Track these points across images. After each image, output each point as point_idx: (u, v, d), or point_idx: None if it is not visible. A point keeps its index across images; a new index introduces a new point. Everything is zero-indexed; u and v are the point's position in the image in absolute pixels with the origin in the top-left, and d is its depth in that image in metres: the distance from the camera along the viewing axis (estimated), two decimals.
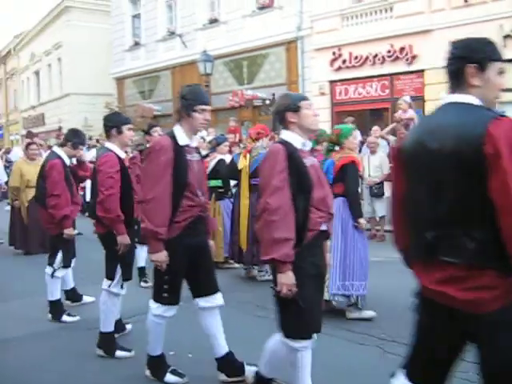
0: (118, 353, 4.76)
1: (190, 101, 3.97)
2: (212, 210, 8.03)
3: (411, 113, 10.76)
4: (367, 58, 15.42)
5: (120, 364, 4.62)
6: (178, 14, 22.13)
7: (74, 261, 6.05)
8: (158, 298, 4.07)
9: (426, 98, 14.18)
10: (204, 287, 4.17)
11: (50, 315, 5.87)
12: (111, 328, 4.79)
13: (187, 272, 4.09)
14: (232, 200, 7.99)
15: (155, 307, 4.08)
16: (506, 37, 12.62)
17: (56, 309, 5.87)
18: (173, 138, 3.99)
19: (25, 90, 39.60)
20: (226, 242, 7.98)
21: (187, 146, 4.04)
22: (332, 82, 16.47)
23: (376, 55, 15.23)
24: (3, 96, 45.58)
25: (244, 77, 19.41)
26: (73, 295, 6.48)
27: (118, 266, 4.77)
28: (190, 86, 4.14)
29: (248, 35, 18.40)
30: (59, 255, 5.80)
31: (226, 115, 16.63)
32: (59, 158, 5.85)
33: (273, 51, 18.26)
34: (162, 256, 3.90)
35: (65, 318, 5.86)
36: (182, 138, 4.01)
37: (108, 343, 4.76)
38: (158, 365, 4.23)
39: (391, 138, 11.22)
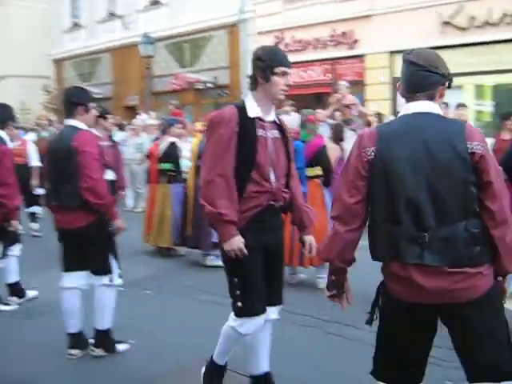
0: (120, 346, 4.47)
1: (267, 62, 3.26)
2: (162, 194, 8.00)
3: (351, 98, 10.87)
4: (309, 42, 15.50)
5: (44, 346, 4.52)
6: None
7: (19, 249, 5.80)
8: (233, 309, 3.35)
9: (366, 82, 14.39)
10: (269, 298, 3.39)
11: None
12: (110, 324, 4.44)
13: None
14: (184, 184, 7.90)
15: (232, 319, 3.38)
16: (445, 23, 12.88)
17: None
18: (241, 108, 3.31)
19: None
20: (175, 226, 7.89)
21: (260, 119, 3.32)
22: None
23: (318, 39, 15.32)
24: None
25: (186, 60, 19.21)
26: (16, 290, 5.94)
27: (111, 256, 4.36)
28: (266, 46, 3.53)
29: (190, 17, 18.14)
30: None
31: (168, 98, 16.43)
32: (4, 143, 5.32)
33: (215, 34, 18.11)
34: (237, 242, 3.17)
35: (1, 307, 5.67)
36: (253, 109, 3.31)
37: (108, 340, 4.44)
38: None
39: (331, 121, 11.27)
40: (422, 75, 2.47)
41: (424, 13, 12.92)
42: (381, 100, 13.59)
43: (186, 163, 7.79)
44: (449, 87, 2.55)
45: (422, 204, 2.36)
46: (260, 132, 3.29)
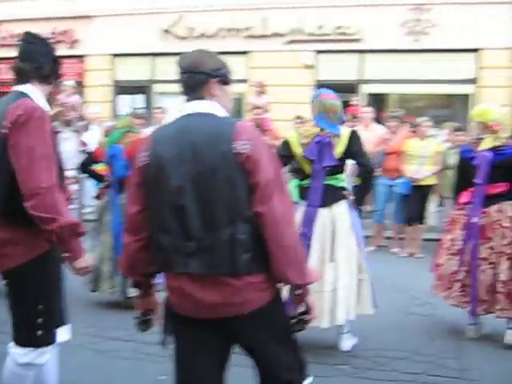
0: None
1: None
2: None
3: (75, 98, 10.62)
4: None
5: None
6: None
7: None
8: (27, 340, 2.90)
9: (86, 83, 14.11)
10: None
11: None
12: None
13: None
14: None
15: (22, 353, 2.91)
16: (165, 31, 13.29)
17: None
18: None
19: None
20: None
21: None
22: None
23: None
24: None
25: None
26: None
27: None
28: None
29: None
30: None
31: None
32: None
33: None
34: (89, 258, 2.94)
35: None
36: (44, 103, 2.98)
37: None
38: None
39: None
40: (187, 77, 2.41)
41: (145, 19, 13.16)
42: (101, 102, 13.43)
43: None
44: (225, 83, 2.46)
45: (190, 211, 2.24)
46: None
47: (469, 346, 4.81)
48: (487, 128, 4.69)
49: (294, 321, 2.44)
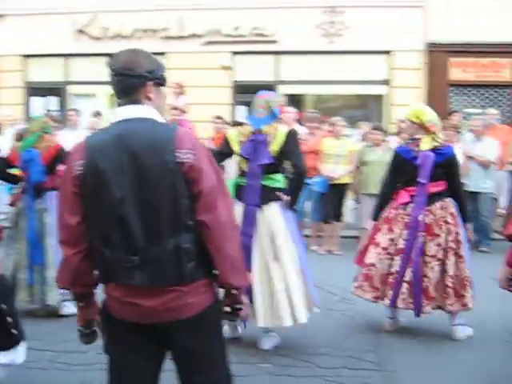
0: None
1: None
2: None
3: None
4: None
5: None
6: None
7: None
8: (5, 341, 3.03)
9: None
10: None
11: None
12: None
13: None
14: None
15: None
16: (80, 31, 12.99)
17: None
18: None
19: None
20: None
21: None
22: None
23: None
24: None
25: None
26: None
27: None
28: None
29: None
30: None
31: None
32: None
33: None
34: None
35: None
36: None
37: None
38: None
39: None
40: (119, 80, 2.28)
41: (58, 18, 12.80)
42: (13, 105, 12.96)
43: None
44: (161, 85, 2.38)
45: (131, 222, 2.18)
46: None
47: (386, 339, 4.97)
48: (423, 128, 4.80)
49: (227, 309, 2.43)
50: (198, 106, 11.27)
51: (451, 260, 4.75)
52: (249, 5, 12.50)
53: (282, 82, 12.86)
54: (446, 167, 4.82)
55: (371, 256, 4.95)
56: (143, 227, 2.19)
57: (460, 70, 12.45)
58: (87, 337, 2.54)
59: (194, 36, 12.74)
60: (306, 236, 9.10)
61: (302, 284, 4.50)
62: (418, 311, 4.82)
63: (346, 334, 5.09)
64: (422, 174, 4.77)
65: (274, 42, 12.59)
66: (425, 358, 4.52)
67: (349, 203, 9.29)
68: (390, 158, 5.16)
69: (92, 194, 2.23)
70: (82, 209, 2.27)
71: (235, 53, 12.83)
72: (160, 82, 2.36)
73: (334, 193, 8.59)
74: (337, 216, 8.78)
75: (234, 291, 2.36)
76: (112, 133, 2.26)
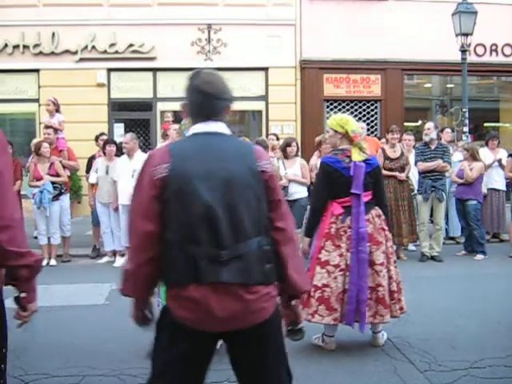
0: None
1: None
2: None
3: None
4: None
5: None
6: None
7: None
8: None
9: None
10: None
11: None
12: None
13: None
14: None
15: None
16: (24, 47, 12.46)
17: None
18: None
19: None
20: None
21: None
22: None
23: None
24: None
25: None
26: None
27: None
28: None
29: None
30: None
31: None
32: None
33: None
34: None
35: None
36: None
37: None
38: None
39: None
40: (214, 104, 2.50)
41: (6, 31, 12.30)
42: None
43: None
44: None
45: (219, 222, 2.31)
46: None
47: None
48: (347, 138, 4.76)
49: (290, 330, 2.64)
50: (75, 124, 10.98)
51: (392, 265, 4.82)
52: (124, 21, 12.39)
53: (160, 99, 12.84)
54: (373, 177, 4.81)
55: (322, 277, 4.67)
56: (231, 227, 2.33)
57: (332, 86, 13.00)
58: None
59: (67, 52, 12.44)
60: None
61: None
62: (363, 327, 4.68)
63: None
64: (355, 185, 4.68)
65: (151, 58, 12.54)
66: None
67: None
68: (318, 170, 5.01)
69: (177, 195, 2.34)
70: (160, 212, 2.35)
71: (111, 69, 12.64)
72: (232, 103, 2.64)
73: None
74: None
75: (295, 301, 2.60)
76: (197, 142, 2.46)
